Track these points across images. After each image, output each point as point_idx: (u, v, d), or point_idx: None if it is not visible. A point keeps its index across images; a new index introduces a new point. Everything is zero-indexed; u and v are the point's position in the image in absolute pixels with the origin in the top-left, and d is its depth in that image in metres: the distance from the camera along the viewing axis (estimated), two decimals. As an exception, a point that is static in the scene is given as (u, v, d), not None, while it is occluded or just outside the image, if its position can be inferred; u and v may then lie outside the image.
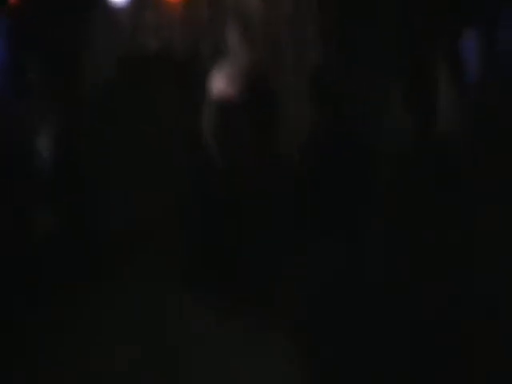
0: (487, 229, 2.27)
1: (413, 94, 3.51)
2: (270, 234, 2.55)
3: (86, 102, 6.51)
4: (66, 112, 6.27)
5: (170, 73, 1.19)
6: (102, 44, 7.91)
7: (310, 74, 4.69)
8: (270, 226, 2.57)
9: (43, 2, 7.21)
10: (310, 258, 2.16)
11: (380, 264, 2.18)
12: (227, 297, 1.18)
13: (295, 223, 2.34)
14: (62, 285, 2.52)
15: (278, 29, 7.35)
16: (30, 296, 2.64)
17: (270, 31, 7.34)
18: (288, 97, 6.76)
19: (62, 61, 7.51)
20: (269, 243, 2.39)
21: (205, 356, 1.10)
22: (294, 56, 7.25)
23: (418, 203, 2.57)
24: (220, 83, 5.35)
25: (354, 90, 4.73)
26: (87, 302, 1.15)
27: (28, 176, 4.43)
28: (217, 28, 7.53)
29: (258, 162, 3.54)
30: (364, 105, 4.55)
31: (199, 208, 1.17)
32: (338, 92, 4.40)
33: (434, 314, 2.17)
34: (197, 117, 1.18)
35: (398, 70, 3.73)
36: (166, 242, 1.15)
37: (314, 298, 2.10)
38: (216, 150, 3.44)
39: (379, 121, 3.86)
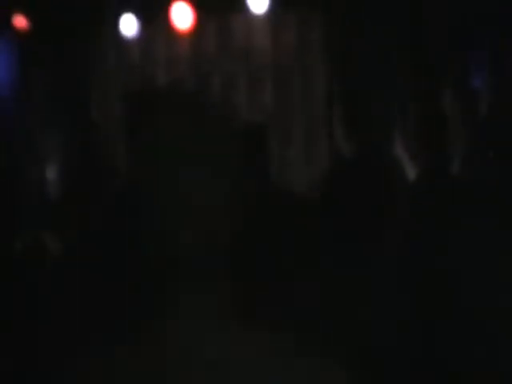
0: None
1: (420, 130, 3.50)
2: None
3: (94, 131, 6.51)
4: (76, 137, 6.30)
5: (181, 106, 1.19)
6: (111, 76, 7.96)
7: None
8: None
9: (51, 31, 7.26)
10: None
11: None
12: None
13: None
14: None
15: (287, 63, 7.39)
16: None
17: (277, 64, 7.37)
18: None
19: (71, 87, 7.55)
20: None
21: None
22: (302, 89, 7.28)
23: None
24: None
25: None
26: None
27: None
28: (226, 59, 7.59)
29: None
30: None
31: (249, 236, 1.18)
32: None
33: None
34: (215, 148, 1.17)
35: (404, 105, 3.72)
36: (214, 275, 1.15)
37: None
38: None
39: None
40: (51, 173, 5.44)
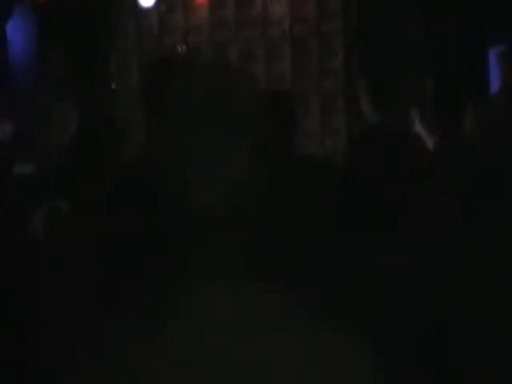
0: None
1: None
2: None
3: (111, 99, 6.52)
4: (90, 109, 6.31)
5: (200, 75, 1.20)
6: (130, 44, 7.96)
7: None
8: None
9: (71, 2, 7.27)
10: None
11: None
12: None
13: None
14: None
15: (305, 32, 7.35)
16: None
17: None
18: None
19: (88, 58, 7.57)
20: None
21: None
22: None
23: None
24: None
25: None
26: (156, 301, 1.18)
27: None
28: (244, 30, 7.55)
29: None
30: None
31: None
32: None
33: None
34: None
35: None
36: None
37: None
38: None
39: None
40: (68, 145, 5.46)
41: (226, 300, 1.15)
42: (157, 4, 7.43)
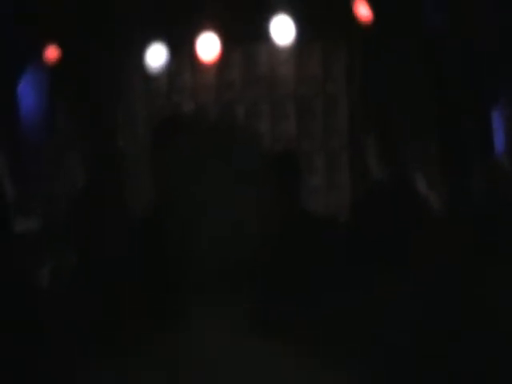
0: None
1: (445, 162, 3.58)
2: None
3: (118, 156, 6.61)
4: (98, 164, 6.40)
5: (207, 134, 1.24)
6: (138, 105, 8.08)
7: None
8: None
9: (82, 61, 7.41)
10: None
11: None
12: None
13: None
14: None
15: (310, 92, 7.46)
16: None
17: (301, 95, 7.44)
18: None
19: (98, 114, 7.68)
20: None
21: None
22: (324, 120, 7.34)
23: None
24: None
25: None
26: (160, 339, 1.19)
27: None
28: (251, 90, 7.68)
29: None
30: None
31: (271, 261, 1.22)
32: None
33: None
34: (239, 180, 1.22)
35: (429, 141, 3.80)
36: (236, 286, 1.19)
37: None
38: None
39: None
40: (77, 198, 5.53)
41: (226, 351, 1.16)
42: (165, 64, 7.58)
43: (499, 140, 6.18)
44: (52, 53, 7.28)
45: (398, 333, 2.16)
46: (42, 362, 2.69)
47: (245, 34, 7.36)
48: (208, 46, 7.27)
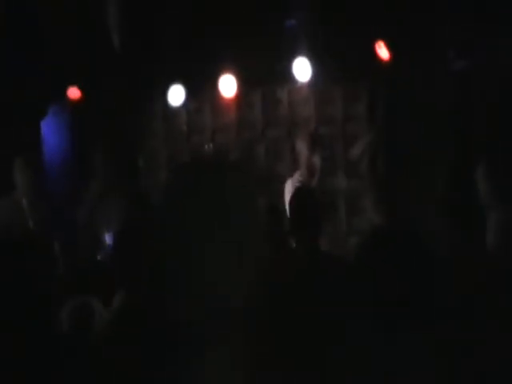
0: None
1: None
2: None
3: (144, 198, 6.65)
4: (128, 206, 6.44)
5: (227, 175, 1.24)
6: (159, 142, 8.15)
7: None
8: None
9: (103, 100, 7.49)
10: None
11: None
12: None
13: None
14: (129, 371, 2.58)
15: (332, 134, 7.48)
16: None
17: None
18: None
19: (118, 155, 7.75)
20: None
21: None
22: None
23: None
24: (290, 189, 5.85)
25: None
26: None
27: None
28: (271, 130, 7.72)
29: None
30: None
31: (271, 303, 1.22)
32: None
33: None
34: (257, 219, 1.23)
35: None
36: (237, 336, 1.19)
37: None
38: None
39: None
40: (100, 238, 5.57)
41: None
42: (185, 103, 7.64)
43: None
44: (74, 93, 7.38)
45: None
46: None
47: (265, 75, 7.42)
48: (228, 87, 7.33)
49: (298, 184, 5.95)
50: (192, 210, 1.20)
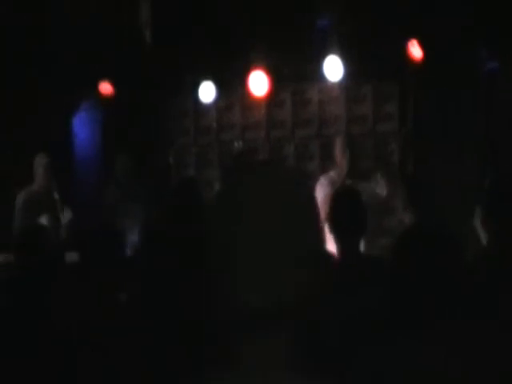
0: None
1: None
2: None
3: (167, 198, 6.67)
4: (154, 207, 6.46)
5: (256, 173, 1.23)
6: (189, 139, 8.17)
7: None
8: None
9: (134, 97, 7.52)
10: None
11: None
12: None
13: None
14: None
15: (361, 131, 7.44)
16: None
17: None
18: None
19: (149, 153, 7.78)
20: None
21: None
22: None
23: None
24: (325, 188, 5.77)
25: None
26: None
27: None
28: (301, 129, 7.70)
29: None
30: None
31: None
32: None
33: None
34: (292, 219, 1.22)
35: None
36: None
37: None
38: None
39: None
40: (132, 237, 5.58)
41: None
42: (216, 100, 7.64)
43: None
44: (106, 89, 7.41)
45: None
46: None
47: (296, 73, 7.40)
48: (259, 84, 7.31)
49: (335, 184, 5.87)
50: (248, 213, 1.20)
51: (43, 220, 5.99)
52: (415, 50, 6.74)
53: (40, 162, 6.29)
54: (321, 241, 1.25)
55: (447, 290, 2.27)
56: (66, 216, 6.19)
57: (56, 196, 6.19)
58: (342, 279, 3.36)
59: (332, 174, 6.21)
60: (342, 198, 3.71)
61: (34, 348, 3.10)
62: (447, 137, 6.74)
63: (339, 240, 3.54)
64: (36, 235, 3.56)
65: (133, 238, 5.47)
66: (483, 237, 3.86)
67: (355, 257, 3.58)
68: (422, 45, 6.71)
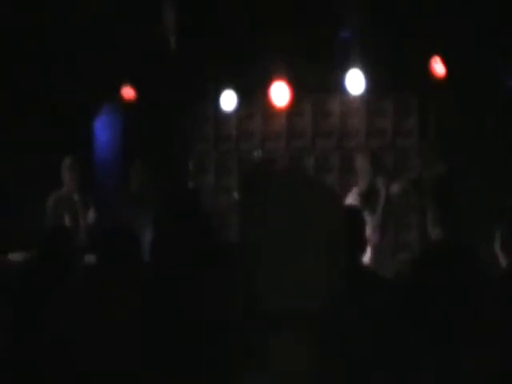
0: None
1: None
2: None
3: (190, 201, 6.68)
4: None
5: (277, 184, 1.25)
6: (209, 146, 8.18)
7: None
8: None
9: (155, 102, 7.54)
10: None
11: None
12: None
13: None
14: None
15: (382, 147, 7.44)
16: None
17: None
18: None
19: (169, 156, 7.80)
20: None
21: None
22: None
23: None
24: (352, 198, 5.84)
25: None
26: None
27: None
28: (321, 140, 7.70)
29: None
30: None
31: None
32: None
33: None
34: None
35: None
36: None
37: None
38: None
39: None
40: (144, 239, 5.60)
41: None
42: (237, 109, 7.66)
43: None
44: (128, 93, 7.45)
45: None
46: None
47: (317, 85, 7.41)
48: (280, 95, 7.33)
49: (354, 201, 5.89)
50: (272, 220, 1.21)
51: (65, 221, 6.12)
52: (438, 67, 6.75)
53: (66, 166, 6.42)
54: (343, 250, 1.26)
55: (467, 308, 2.27)
56: (90, 217, 6.32)
57: (77, 198, 6.29)
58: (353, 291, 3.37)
59: (355, 190, 6.25)
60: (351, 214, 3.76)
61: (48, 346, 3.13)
62: (469, 156, 6.70)
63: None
64: (58, 236, 3.60)
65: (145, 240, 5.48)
66: (503, 261, 3.86)
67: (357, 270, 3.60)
68: (445, 61, 6.71)
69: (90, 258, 4.36)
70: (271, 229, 1.20)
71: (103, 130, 7.82)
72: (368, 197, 5.96)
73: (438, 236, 5.40)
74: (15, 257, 5.38)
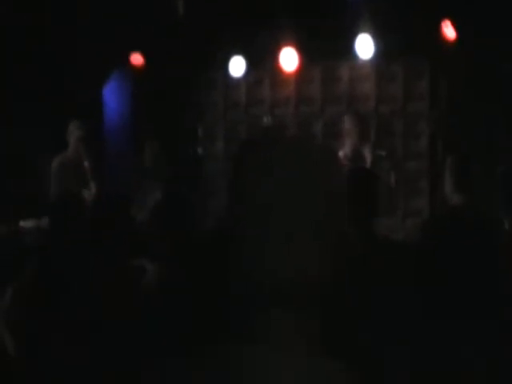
0: None
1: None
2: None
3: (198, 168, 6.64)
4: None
5: (284, 149, 1.24)
6: (218, 113, 8.16)
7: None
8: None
9: (164, 69, 7.52)
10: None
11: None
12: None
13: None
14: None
15: (393, 112, 7.40)
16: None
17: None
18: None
19: (178, 124, 7.80)
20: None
21: None
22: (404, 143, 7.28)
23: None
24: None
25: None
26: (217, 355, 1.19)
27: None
28: (330, 106, 7.66)
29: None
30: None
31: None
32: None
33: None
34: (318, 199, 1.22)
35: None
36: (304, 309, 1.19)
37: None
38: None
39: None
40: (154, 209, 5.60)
41: (289, 375, 1.15)
42: (246, 75, 7.63)
43: None
44: (137, 60, 7.43)
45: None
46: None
47: (326, 50, 7.36)
48: (289, 60, 7.29)
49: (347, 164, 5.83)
50: (274, 186, 1.20)
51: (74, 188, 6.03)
52: (448, 30, 6.68)
53: (72, 131, 6.29)
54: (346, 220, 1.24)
55: (479, 279, 2.25)
56: (91, 189, 6.19)
57: (86, 165, 6.24)
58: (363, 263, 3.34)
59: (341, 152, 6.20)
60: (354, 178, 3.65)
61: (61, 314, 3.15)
62: (482, 123, 6.65)
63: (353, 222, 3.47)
64: (71, 201, 3.60)
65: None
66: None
67: (364, 234, 3.52)
68: (456, 25, 6.65)
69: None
70: (270, 197, 1.19)
71: (112, 96, 7.81)
72: (352, 161, 5.93)
73: (459, 202, 5.29)
74: (27, 224, 5.39)
